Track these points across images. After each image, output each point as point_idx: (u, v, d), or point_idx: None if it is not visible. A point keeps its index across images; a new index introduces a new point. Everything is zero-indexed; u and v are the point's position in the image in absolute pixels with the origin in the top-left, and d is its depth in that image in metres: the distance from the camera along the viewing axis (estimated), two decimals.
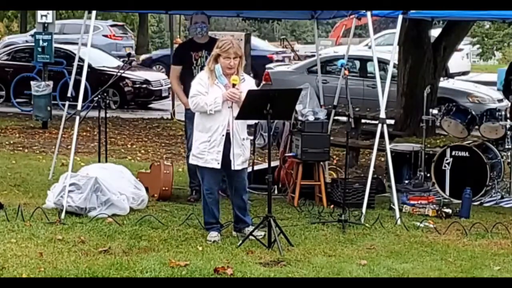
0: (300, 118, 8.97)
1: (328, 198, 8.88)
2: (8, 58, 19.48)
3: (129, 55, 11.99)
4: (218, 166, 7.12)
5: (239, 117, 6.97)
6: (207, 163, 7.15)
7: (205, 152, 7.14)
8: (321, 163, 9.02)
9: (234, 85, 6.99)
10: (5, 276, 5.92)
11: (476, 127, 10.01)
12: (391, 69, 8.61)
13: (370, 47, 22.37)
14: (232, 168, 7.13)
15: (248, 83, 7.17)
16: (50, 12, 14.58)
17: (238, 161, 7.14)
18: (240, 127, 7.12)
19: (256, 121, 8.71)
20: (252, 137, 7.48)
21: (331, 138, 9.69)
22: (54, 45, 15.30)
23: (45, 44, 14.72)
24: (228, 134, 7.07)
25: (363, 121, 13.32)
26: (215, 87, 7.08)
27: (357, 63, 18.02)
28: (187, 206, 8.52)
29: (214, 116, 7.06)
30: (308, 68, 18.11)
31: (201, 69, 8.16)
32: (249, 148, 7.32)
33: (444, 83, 16.40)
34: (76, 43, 13.85)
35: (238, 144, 7.11)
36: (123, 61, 17.70)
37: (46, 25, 14.73)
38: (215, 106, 6.99)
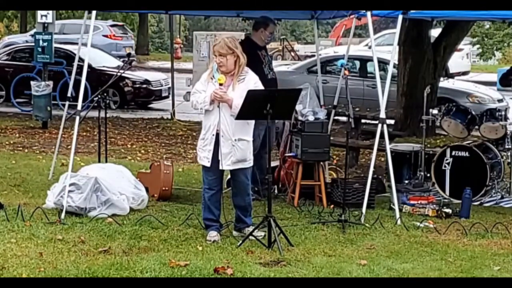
0: (300, 118, 8.96)
1: (328, 198, 8.88)
2: (8, 58, 19.46)
3: (129, 55, 11.97)
4: (208, 165, 7.14)
5: (239, 117, 6.97)
6: (201, 160, 7.24)
7: (200, 149, 7.23)
8: (321, 163, 9.01)
9: (220, 85, 7.01)
10: (5, 276, 5.93)
11: (476, 127, 10.01)
12: (391, 69, 8.61)
13: (370, 47, 22.38)
14: (220, 167, 7.13)
15: (247, 84, 7.09)
16: (50, 12, 14.58)
17: (228, 161, 7.10)
18: (232, 127, 7.05)
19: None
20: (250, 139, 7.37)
21: (331, 138, 9.69)
22: (54, 45, 15.29)
23: (45, 44, 14.72)
24: (218, 134, 7.09)
25: (363, 121, 13.32)
26: (211, 85, 7.12)
27: (357, 63, 18.02)
28: (187, 206, 8.52)
29: (207, 115, 7.14)
30: (308, 68, 18.11)
31: (268, 67, 9.03)
32: (246, 149, 7.18)
33: (444, 83, 16.40)
34: (76, 43, 13.85)
35: (228, 144, 7.07)
36: (123, 61, 17.70)
37: (46, 25, 14.72)
38: (204, 104, 7.06)
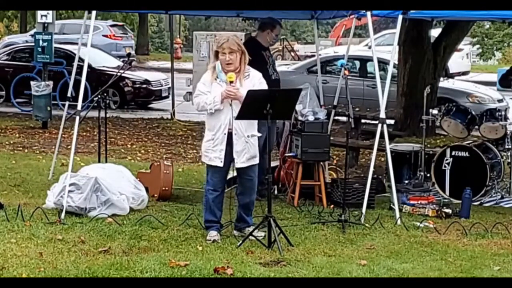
0: (300, 118, 8.97)
1: (328, 198, 8.88)
2: (8, 58, 19.46)
3: (129, 55, 11.96)
4: (221, 165, 7.13)
5: (239, 117, 6.97)
6: (211, 161, 7.18)
7: (210, 150, 7.18)
8: (321, 163, 9.01)
9: (231, 83, 7.01)
10: (5, 276, 5.93)
11: (476, 127, 10.01)
12: (391, 69, 8.61)
13: (370, 47, 22.37)
14: (236, 166, 7.14)
15: (252, 80, 7.15)
16: (50, 12, 14.58)
17: (243, 159, 7.13)
18: (244, 124, 7.09)
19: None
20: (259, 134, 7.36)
21: (331, 138, 9.69)
22: (54, 45, 15.29)
23: (45, 44, 14.71)
24: (230, 133, 7.08)
25: (363, 121, 13.32)
26: (216, 85, 7.10)
27: (357, 63, 18.02)
28: (187, 206, 8.52)
29: (216, 115, 7.10)
30: (308, 68, 18.11)
31: (272, 67, 9.07)
32: (257, 145, 7.23)
33: (444, 83, 16.40)
34: (76, 43, 13.85)
35: (241, 141, 7.10)
36: (123, 61, 17.70)
37: (46, 25, 14.72)
38: (214, 105, 7.03)
